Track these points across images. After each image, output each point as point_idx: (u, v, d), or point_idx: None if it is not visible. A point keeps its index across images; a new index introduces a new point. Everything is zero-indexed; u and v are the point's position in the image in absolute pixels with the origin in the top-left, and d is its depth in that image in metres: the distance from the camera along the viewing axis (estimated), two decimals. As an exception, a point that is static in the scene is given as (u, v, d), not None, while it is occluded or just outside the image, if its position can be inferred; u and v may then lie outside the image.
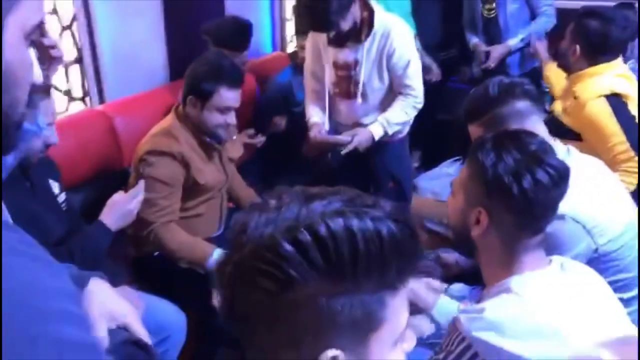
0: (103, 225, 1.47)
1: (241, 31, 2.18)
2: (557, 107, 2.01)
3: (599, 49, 1.83)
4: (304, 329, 0.53)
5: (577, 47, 1.84)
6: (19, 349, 0.41)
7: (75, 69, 2.22)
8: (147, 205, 1.63)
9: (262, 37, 3.33)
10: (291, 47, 3.45)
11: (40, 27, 0.53)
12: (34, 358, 0.42)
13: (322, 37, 2.03)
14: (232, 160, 1.92)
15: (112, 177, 2.09)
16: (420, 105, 2.03)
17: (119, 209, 1.49)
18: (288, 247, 0.51)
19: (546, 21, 2.70)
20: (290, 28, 3.46)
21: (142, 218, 1.63)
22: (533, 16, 2.74)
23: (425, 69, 2.44)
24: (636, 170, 1.69)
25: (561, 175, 0.97)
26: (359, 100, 2.03)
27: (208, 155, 1.78)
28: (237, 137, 2.00)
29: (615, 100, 1.76)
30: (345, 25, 1.85)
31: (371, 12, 1.94)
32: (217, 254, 1.63)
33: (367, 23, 1.93)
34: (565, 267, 0.99)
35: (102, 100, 2.25)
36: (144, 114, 2.30)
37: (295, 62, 2.60)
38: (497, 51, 2.73)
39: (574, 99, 1.86)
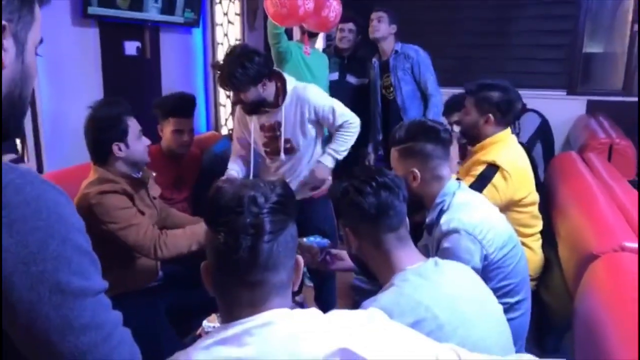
0: None
1: (186, 100, 2.46)
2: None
3: (506, 115, 2.05)
4: None
5: (490, 116, 2.00)
6: (52, 241, 0.63)
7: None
8: (133, 233, 1.76)
9: (198, 118, 3.60)
10: (225, 130, 3.73)
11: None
12: (60, 253, 0.63)
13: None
14: (155, 199, 2.07)
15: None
16: (358, 128, 2.32)
17: None
18: None
19: (437, 103, 3.17)
20: (223, 112, 3.77)
21: (135, 244, 1.78)
22: (424, 95, 3.24)
23: None
24: None
25: (387, 185, 1.23)
26: (296, 153, 2.31)
27: (137, 193, 1.92)
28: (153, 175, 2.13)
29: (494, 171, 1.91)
30: (249, 95, 2.13)
31: (284, 82, 2.24)
32: None
33: (281, 91, 2.23)
34: (438, 263, 1.21)
35: (40, 171, 2.37)
36: (79, 185, 2.43)
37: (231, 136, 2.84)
38: None
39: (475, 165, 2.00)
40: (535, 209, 2.01)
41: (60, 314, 0.63)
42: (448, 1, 4.44)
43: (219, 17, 3.63)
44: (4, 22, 0.65)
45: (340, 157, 2.31)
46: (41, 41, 0.75)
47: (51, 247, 0.62)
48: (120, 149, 1.84)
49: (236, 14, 3.83)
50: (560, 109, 4.12)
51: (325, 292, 2.55)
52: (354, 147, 3.47)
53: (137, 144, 1.87)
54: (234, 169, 2.40)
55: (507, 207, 1.91)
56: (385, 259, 1.23)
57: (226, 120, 3.77)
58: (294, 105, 2.25)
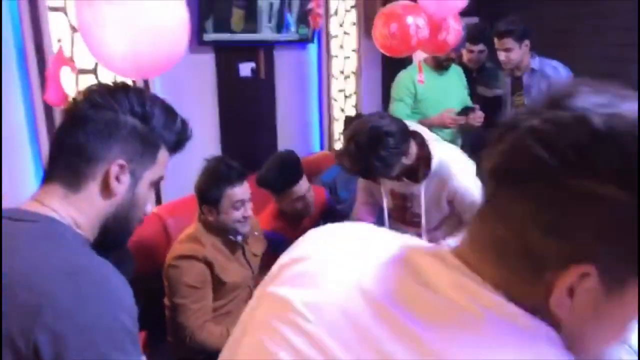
0: None
1: (288, 171, 2.16)
2: None
3: None
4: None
5: None
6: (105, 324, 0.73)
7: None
8: (181, 311, 1.75)
9: (312, 136, 3.50)
10: (338, 145, 3.59)
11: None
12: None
13: None
14: (256, 256, 1.97)
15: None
16: None
17: None
18: None
19: None
20: (337, 126, 3.62)
21: (179, 323, 1.75)
22: None
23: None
24: None
25: None
26: (423, 229, 1.95)
27: (233, 253, 1.86)
28: (258, 232, 2.02)
29: None
30: (393, 173, 1.77)
31: (428, 155, 1.83)
32: None
33: (423, 164, 1.84)
34: None
35: (158, 202, 2.40)
36: (193, 215, 2.41)
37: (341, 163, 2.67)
38: None
39: None
40: None
41: None
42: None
43: (334, 29, 3.47)
44: (123, 162, 0.84)
45: None
46: (161, 178, 0.92)
47: (105, 320, 0.73)
48: (210, 212, 1.80)
49: (352, 24, 3.65)
50: None
51: None
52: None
53: (228, 214, 1.78)
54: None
55: None
56: None
57: (340, 134, 3.63)
58: (434, 181, 1.86)
